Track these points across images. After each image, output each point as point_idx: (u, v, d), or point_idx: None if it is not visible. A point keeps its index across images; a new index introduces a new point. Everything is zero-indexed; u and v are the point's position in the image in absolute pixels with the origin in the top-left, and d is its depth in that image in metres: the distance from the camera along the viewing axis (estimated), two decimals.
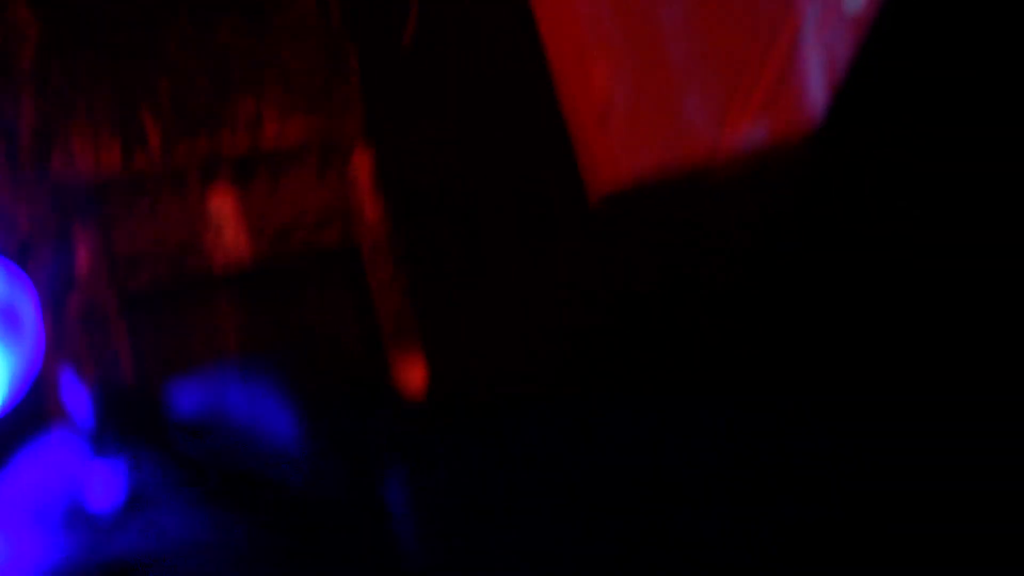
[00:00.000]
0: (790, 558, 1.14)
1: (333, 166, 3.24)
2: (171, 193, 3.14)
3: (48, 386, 2.78)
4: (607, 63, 3.42)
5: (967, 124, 1.15)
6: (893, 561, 1.11)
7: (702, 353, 1.22)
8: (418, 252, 3.25)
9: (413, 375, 3.08)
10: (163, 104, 3.14)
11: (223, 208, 3.17)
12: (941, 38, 1.15)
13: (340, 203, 3.24)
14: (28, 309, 2.34)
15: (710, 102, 3.48)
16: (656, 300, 1.40)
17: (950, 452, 1.11)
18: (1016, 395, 1.08)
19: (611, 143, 3.44)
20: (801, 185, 1.23)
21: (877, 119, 1.17)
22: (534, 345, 1.49)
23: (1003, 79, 1.12)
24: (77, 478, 1.44)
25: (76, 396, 1.54)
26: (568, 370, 1.36)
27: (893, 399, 1.11)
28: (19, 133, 3.03)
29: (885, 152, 1.16)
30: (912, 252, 1.13)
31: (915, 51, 1.16)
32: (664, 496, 1.17)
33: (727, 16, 3.26)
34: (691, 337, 1.23)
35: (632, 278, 3.07)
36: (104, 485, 1.42)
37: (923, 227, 1.14)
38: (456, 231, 3.28)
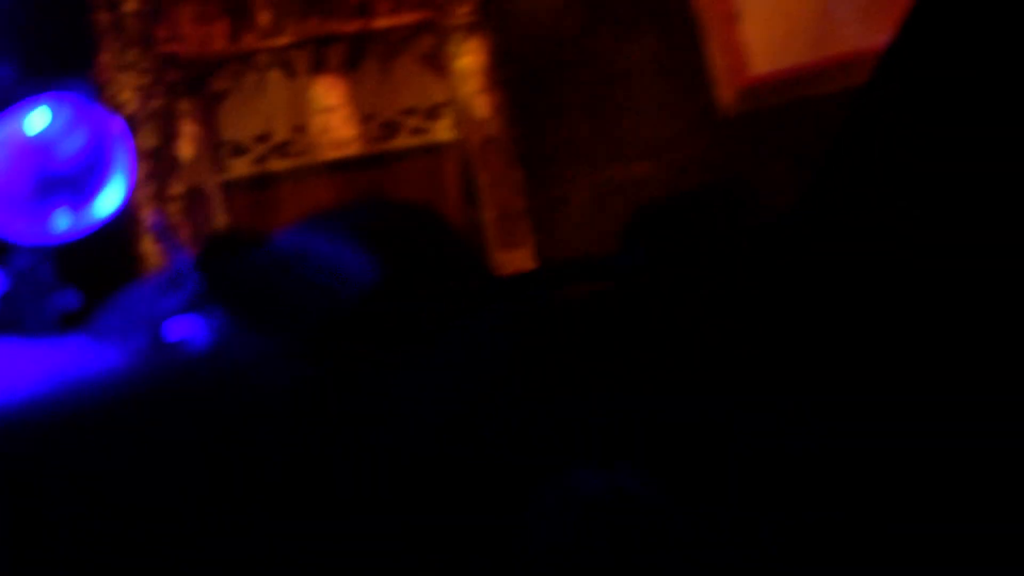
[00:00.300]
0: (790, 558, 1.09)
1: (445, 56, 3.15)
2: (279, 75, 3.10)
3: (143, 233, 2.82)
4: None
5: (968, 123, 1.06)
6: (893, 561, 1.06)
7: (702, 353, 1.16)
8: (531, 145, 3.17)
9: (514, 269, 3.03)
10: None
11: (331, 93, 3.12)
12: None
13: (451, 94, 3.16)
14: (121, 149, 2.41)
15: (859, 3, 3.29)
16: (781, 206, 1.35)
17: (950, 452, 1.05)
18: (1016, 395, 1.02)
19: (746, 40, 3.29)
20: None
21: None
22: (641, 241, 1.44)
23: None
24: (161, 314, 1.47)
25: (170, 244, 1.57)
26: (670, 275, 1.31)
27: (893, 399, 1.05)
28: (127, 6, 3.02)
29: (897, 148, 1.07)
30: (912, 251, 1.06)
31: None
32: (663, 495, 1.12)
33: None
34: (691, 337, 1.17)
35: (759, 183, 2.95)
36: (184, 326, 1.45)
37: (923, 226, 1.06)
38: (572, 125, 3.19)
